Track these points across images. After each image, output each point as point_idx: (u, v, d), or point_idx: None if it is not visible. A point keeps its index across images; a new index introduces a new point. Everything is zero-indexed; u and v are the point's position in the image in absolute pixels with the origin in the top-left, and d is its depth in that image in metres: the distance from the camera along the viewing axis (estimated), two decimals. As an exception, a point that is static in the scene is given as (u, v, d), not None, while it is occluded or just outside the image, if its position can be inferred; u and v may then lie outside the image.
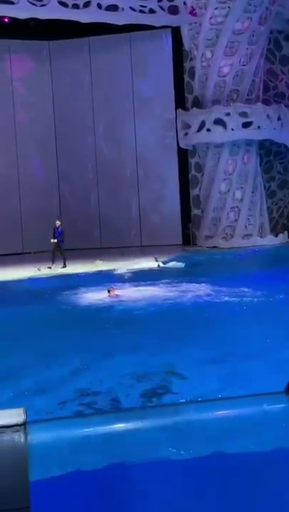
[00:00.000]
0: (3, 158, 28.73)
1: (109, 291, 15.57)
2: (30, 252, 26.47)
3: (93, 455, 2.23)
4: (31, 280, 19.68)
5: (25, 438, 2.17)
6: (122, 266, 21.41)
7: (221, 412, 2.33)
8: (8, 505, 2.12)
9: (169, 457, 2.25)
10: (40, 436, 2.20)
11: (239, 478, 2.30)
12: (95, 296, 15.77)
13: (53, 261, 21.66)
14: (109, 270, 20.69)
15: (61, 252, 21.79)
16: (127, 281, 18.18)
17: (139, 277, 18.72)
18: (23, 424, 2.19)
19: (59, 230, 21.76)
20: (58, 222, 22.00)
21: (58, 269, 21.31)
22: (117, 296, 15.49)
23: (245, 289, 15.32)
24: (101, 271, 20.74)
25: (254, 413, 2.33)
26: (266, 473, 2.34)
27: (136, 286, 17.17)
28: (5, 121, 28.64)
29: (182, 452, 2.25)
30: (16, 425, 2.19)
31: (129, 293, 16.10)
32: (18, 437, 2.17)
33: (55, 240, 21.63)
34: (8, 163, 28.78)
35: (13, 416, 2.20)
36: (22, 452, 2.16)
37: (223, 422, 2.31)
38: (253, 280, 17.05)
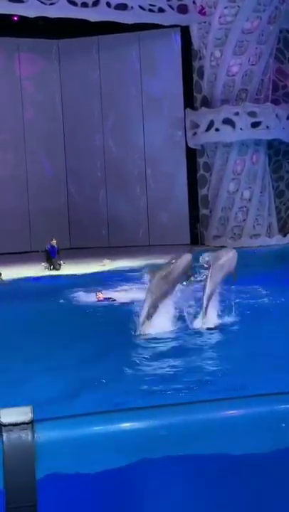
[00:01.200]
0: (11, 157, 28.81)
1: (97, 295, 15.47)
2: (38, 251, 26.48)
3: (101, 454, 2.21)
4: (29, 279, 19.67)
5: (33, 436, 2.15)
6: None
7: (231, 412, 2.31)
8: (14, 503, 2.11)
9: (179, 457, 2.23)
10: (47, 434, 2.18)
11: (251, 479, 2.28)
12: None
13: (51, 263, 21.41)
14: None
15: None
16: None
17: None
18: (31, 423, 2.18)
19: (55, 248, 21.33)
20: (53, 241, 21.44)
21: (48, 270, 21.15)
22: (107, 299, 15.38)
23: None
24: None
25: (267, 412, 2.31)
26: (280, 476, 2.32)
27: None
28: (14, 120, 28.71)
29: (193, 453, 2.23)
30: (23, 423, 2.18)
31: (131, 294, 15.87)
32: (26, 435, 2.15)
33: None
34: (17, 161, 28.86)
35: (21, 414, 2.19)
36: (29, 450, 2.15)
37: (234, 421, 2.28)
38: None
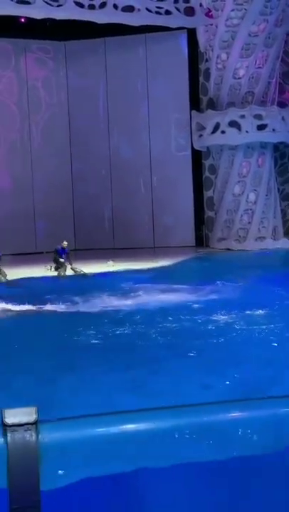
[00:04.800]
0: (17, 159, 28.85)
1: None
2: (43, 252, 26.50)
3: (104, 454, 2.22)
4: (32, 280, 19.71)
5: (37, 437, 2.17)
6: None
7: (238, 414, 2.31)
8: (18, 504, 2.12)
9: (183, 460, 2.24)
10: (51, 435, 2.19)
11: (260, 481, 2.28)
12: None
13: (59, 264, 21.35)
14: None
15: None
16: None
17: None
18: (35, 423, 2.19)
19: (66, 251, 21.28)
20: (64, 243, 21.40)
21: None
22: None
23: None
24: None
25: (274, 415, 2.31)
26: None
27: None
28: (20, 122, 28.75)
29: (198, 455, 2.24)
30: (28, 424, 2.19)
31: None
32: (30, 436, 2.17)
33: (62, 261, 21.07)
34: (23, 163, 28.88)
35: (25, 415, 2.20)
36: (33, 451, 2.16)
37: (241, 423, 2.29)
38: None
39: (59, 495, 2.21)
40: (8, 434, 2.15)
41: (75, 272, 20.85)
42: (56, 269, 20.94)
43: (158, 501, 2.27)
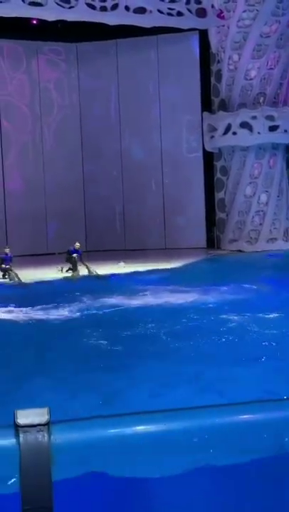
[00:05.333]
0: (29, 160, 28.93)
1: None
2: (55, 253, 26.57)
3: (117, 456, 2.21)
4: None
5: (49, 438, 2.16)
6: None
7: (250, 416, 2.30)
8: (30, 505, 2.12)
9: (197, 462, 2.22)
10: (63, 436, 2.19)
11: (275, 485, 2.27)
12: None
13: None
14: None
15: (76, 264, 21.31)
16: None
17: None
18: (47, 424, 2.18)
19: (79, 252, 21.38)
20: (77, 245, 21.50)
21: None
22: None
23: None
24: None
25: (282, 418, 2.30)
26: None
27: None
28: (32, 124, 28.84)
29: (212, 458, 2.22)
30: (40, 425, 2.18)
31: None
32: (42, 437, 2.16)
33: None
34: (35, 165, 28.97)
35: (37, 415, 2.20)
36: (45, 452, 2.15)
37: (255, 425, 2.27)
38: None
39: (71, 496, 2.21)
40: (21, 435, 2.15)
41: (89, 271, 20.89)
42: (70, 269, 21.00)
43: (170, 503, 2.26)
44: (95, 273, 20.83)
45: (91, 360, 10.44)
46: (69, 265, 21.07)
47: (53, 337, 12.55)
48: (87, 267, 20.99)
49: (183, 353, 10.73)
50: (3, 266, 20.65)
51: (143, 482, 2.21)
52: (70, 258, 21.06)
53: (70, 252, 21.21)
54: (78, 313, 14.66)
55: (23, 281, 19.94)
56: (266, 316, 13.42)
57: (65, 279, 20.40)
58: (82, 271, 20.95)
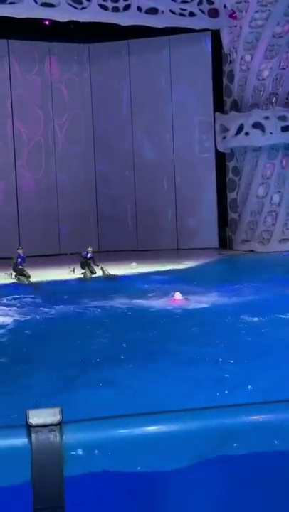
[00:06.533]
0: (41, 161, 29.00)
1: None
2: (67, 254, 26.63)
3: (129, 456, 2.22)
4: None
5: (61, 438, 2.18)
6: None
7: (260, 417, 2.31)
8: (42, 505, 2.13)
9: (205, 462, 2.23)
10: (75, 436, 2.20)
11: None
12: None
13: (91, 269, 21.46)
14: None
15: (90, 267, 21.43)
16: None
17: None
18: (59, 424, 2.20)
19: (91, 256, 21.52)
20: (90, 249, 21.61)
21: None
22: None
23: None
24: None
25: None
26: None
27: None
28: (44, 124, 28.91)
29: (220, 455, 2.23)
30: (52, 425, 2.20)
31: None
32: (54, 437, 2.18)
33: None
34: (47, 165, 29.04)
35: (49, 415, 2.21)
36: (57, 452, 2.17)
37: (265, 426, 2.28)
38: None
39: (83, 495, 2.22)
40: (33, 435, 2.16)
41: (103, 272, 20.99)
42: (83, 268, 21.16)
43: (182, 502, 2.27)
44: (107, 274, 20.92)
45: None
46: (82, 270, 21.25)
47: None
48: (102, 269, 21.11)
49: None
50: (18, 267, 20.70)
51: (153, 481, 2.22)
52: (84, 263, 21.22)
53: (84, 257, 21.36)
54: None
55: (33, 281, 20.04)
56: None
57: (79, 279, 20.52)
58: (98, 270, 21.11)
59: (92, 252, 21.63)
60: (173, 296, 15.70)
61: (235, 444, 2.25)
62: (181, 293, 16.22)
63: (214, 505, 2.28)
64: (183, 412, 2.34)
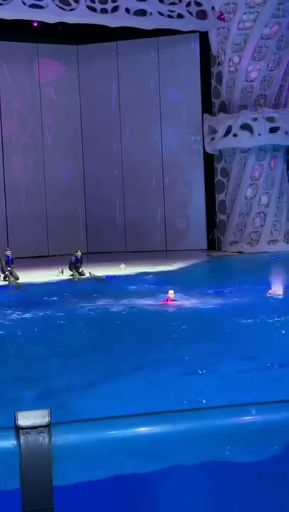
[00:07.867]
0: (30, 161, 28.94)
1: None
2: (56, 255, 26.58)
3: (117, 457, 2.22)
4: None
5: (50, 439, 2.17)
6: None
7: (255, 417, 2.31)
8: (31, 507, 2.13)
9: (197, 462, 2.24)
10: (64, 438, 2.20)
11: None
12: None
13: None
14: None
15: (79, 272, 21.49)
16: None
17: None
18: (48, 426, 2.19)
19: (80, 259, 21.57)
20: (78, 253, 21.65)
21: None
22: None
23: None
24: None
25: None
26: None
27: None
28: (33, 125, 28.85)
29: (207, 458, 2.24)
30: (41, 426, 2.20)
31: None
32: (43, 439, 2.17)
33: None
34: (36, 166, 28.98)
35: (38, 417, 2.21)
36: (46, 454, 2.16)
37: (260, 426, 2.29)
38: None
39: (72, 497, 2.22)
40: (21, 437, 2.16)
41: (90, 274, 21.07)
42: (71, 270, 21.20)
43: (169, 504, 2.27)
44: (94, 276, 20.96)
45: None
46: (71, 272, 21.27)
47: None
48: (89, 273, 21.20)
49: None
50: (6, 268, 20.64)
51: (143, 482, 2.22)
52: (72, 266, 21.26)
53: (72, 262, 21.39)
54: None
55: (20, 282, 20.02)
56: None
57: (68, 280, 20.54)
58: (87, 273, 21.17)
59: (81, 256, 21.62)
60: (166, 297, 15.69)
61: (228, 447, 2.26)
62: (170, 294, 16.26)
63: (209, 506, 2.28)
64: (172, 414, 2.34)
